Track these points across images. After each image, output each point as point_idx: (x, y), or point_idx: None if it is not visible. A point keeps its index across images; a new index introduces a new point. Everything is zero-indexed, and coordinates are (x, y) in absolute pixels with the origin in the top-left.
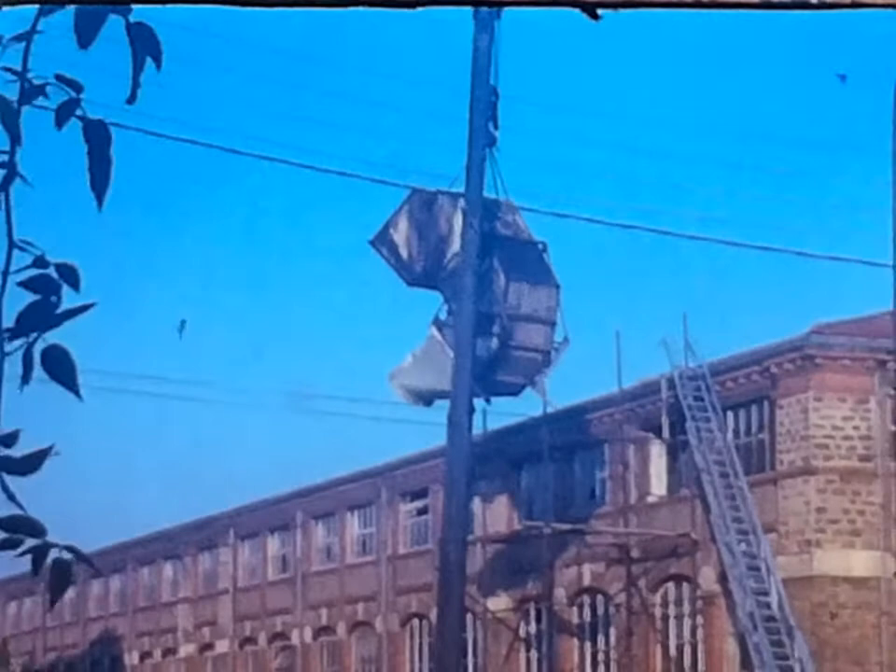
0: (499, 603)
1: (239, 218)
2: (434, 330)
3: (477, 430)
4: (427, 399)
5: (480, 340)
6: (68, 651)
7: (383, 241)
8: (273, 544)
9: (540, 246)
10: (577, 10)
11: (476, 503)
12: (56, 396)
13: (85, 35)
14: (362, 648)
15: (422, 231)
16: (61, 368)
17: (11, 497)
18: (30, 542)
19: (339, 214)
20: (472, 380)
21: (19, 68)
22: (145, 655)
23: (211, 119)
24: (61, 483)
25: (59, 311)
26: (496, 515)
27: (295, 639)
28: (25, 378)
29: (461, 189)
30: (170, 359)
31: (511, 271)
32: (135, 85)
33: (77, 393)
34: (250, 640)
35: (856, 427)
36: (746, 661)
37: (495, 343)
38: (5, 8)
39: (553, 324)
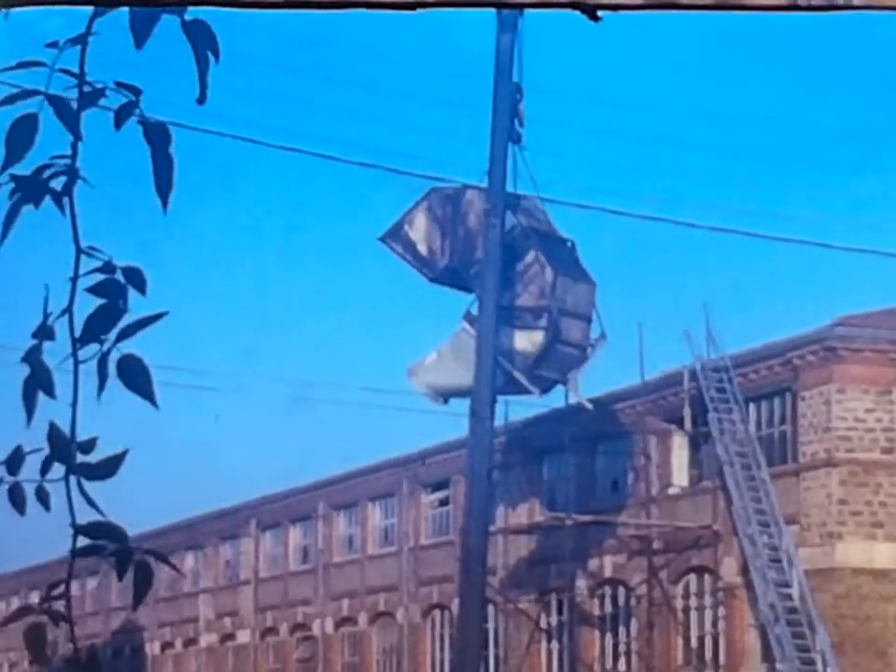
0: (521, 594)
1: (262, 209)
2: (466, 325)
3: (499, 421)
4: (447, 395)
5: (527, 333)
6: (90, 640)
7: (395, 237)
8: (295, 535)
9: (569, 244)
10: (576, 12)
11: (498, 494)
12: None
13: (140, 34)
14: (384, 638)
15: (446, 227)
16: (136, 378)
17: (91, 503)
18: (112, 547)
19: (365, 204)
20: (520, 372)
21: (77, 70)
22: (166, 645)
23: (229, 109)
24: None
25: (126, 315)
26: (518, 506)
27: (316, 630)
28: (101, 387)
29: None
30: (186, 349)
31: (556, 265)
32: (203, 85)
33: (153, 402)
34: (272, 631)
35: (878, 420)
36: (767, 653)
37: (542, 336)
38: (16, 11)
39: (590, 320)
